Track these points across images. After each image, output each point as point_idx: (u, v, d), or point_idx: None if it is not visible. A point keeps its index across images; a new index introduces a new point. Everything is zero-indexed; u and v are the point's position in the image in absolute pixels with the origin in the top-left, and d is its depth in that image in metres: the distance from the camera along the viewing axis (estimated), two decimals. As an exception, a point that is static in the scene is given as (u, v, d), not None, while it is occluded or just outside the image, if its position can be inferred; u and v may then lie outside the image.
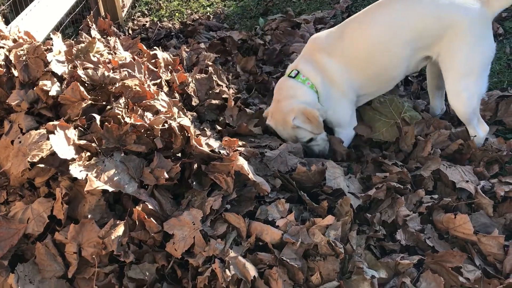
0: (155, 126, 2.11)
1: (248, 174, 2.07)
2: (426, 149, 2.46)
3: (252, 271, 1.77)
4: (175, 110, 2.33)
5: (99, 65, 2.36)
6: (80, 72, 2.20)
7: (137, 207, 1.94)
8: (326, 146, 2.69)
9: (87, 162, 1.91)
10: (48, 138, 1.93)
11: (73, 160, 1.90)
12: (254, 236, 1.93)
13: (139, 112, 2.17)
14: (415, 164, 2.44)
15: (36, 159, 1.90)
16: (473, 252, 1.95)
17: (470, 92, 2.42)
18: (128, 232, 1.91)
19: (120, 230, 1.86)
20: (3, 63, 2.31)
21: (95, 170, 1.90)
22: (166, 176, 2.03)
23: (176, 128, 2.14)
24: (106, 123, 2.05)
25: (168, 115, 2.17)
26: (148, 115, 2.19)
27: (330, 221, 1.92)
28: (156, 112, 2.24)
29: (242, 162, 2.10)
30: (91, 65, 2.35)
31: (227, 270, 1.76)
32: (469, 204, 2.20)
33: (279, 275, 1.78)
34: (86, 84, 2.24)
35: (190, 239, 1.90)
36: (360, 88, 2.65)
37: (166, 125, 2.15)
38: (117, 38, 3.24)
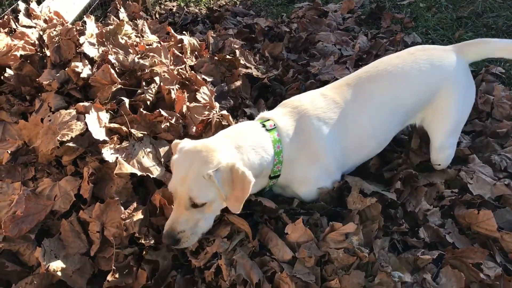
0: (195, 116, 2.15)
1: None
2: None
3: (258, 275, 1.75)
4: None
5: (129, 49, 2.40)
6: (111, 57, 2.24)
7: (157, 192, 1.98)
8: (207, 226, 1.88)
9: (118, 146, 1.95)
10: (78, 119, 1.98)
11: (105, 142, 1.94)
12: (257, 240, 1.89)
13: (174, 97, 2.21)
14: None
15: (65, 139, 1.95)
16: (495, 249, 1.94)
17: (454, 146, 2.32)
18: (149, 217, 1.96)
19: (141, 214, 1.91)
20: (37, 42, 2.37)
21: (125, 153, 1.94)
22: None
23: (216, 119, 2.17)
24: (141, 109, 2.08)
25: (208, 106, 2.20)
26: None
27: (351, 229, 1.84)
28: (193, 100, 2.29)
29: None
30: (121, 50, 2.39)
31: (233, 269, 1.76)
32: (493, 202, 2.17)
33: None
34: (116, 68, 2.29)
35: None
36: (344, 164, 2.20)
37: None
38: (145, 21, 3.27)
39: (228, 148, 1.81)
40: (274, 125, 1.98)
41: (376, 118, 2.13)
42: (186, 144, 1.83)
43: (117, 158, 1.89)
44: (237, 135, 1.89)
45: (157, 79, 2.30)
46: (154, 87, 2.20)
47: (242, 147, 1.85)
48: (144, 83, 2.28)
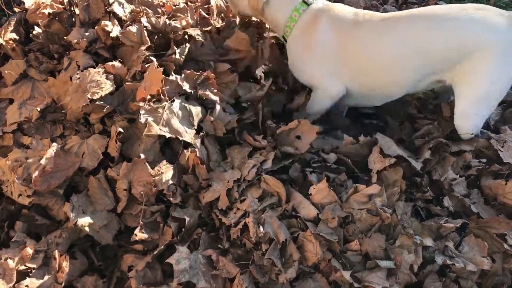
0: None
1: None
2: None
3: (285, 235, 1.77)
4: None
5: (157, 9, 2.39)
6: (143, 19, 2.24)
7: (186, 151, 1.99)
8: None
9: (149, 107, 1.95)
10: (107, 78, 1.99)
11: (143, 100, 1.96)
12: (291, 204, 1.91)
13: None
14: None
15: (95, 97, 1.97)
16: (520, 221, 1.93)
17: (481, 117, 2.18)
18: (178, 175, 1.98)
19: (170, 172, 1.93)
20: (65, 0, 2.36)
21: (155, 114, 1.95)
22: (224, 130, 2.09)
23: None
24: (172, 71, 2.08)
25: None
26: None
27: (375, 190, 1.86)
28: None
29: None
30: (150, 10, 2.38)
31: (260, 226, 1.77)
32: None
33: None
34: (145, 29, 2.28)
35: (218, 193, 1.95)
36: (348, 88, 2.34)
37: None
38: (171, -20, 3.22)
39: None
40: (310, 4, 2.33)
41: (397, 50, 2.15)
42: None
43: (146, 119, 1.90)
44: None
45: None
46: (184, 48, 2.19)
47: None
48: (174, 45, 2.27)
